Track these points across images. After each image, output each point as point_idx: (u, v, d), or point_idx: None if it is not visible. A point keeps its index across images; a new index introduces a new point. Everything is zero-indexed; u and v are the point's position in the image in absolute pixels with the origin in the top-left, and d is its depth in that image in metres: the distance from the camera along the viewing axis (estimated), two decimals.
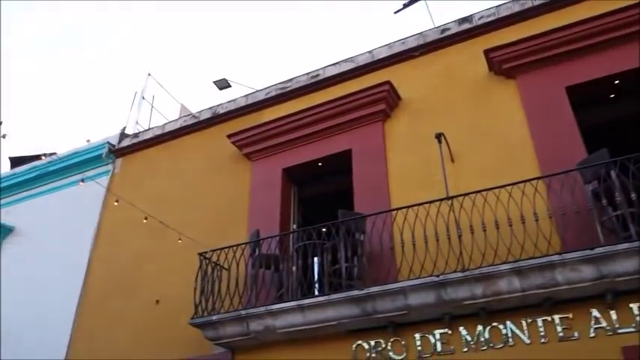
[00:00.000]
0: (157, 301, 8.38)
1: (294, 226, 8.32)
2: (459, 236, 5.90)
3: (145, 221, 7.90)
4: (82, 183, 8.44)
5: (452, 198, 6.14)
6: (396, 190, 7.30)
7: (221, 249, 7.37)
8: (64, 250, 10.07)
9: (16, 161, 14.02)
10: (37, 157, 12.90)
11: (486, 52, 7.46)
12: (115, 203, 8.12)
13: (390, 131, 7.88)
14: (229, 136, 8.97)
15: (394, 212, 6.41)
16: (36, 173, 11.41)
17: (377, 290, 6.06)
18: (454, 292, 5.81)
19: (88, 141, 12.03)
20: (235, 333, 6.85)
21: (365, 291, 6.11)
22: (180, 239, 7.88)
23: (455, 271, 5.77)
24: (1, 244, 11.05)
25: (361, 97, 8.00)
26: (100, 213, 10.07)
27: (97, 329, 8.70)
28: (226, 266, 7.28)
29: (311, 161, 8.34)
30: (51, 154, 12.74)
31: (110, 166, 10.60)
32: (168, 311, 8.18)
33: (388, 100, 7.89)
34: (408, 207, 6.28)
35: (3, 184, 11.83)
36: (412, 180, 7.28)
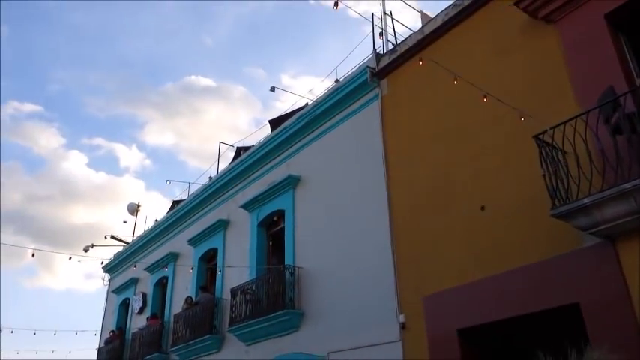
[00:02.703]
0: (483, 208, 7.42)
1: None
2: None
3: (484, 100, 7.09)
4: None
5: None
6: None
7: (563, 123, 5.99)
8: (357, 184, 9.83)
9: (275, 122, 14.57)
10: (292, 114, 13.14)
11: None
12: (455, 82, 7.23)
13: None
14: (517, 3, 7.44)
15: None
16: (304, 121, 11.43)
17: None
18: None
19: (337, 80, 11.74)
20: (619, 214, 5.46)
21: None
22: (522, 118, 6.72)
23: None
24: (294, 195, 11.38)
25: None
26: (382, 137, 9.51)
27: (419, 252, 8.16)
28: (568, 144, 5.94)
29: None
30: (305, 105, 12.84)
31: (377, 90, 9.96)
32: (499, 215, 7.17)
33: None
34: None
35: (276, 142, 12.20)
36: None
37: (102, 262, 19.48)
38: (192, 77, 57.90)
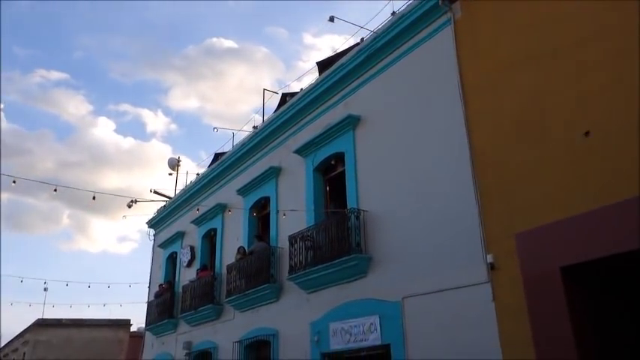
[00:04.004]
0: (587, 133, 6.59)
1: None
2: None
3: None
4: None
5: None
6: None
7: None
8: (428, 118, 9.05)
9: (323, 64, 13.75)
10: (343, 54, 12.27)
11: None
12: None
13: None
14: None
15: None
16: (364, 56, 10.59)
17: None
18: None
19: (394, 13, 10.84)
20: None
21: None
22: None
23: None
24: (354, 136, 10.66)
25: None
26: (457, 66, 8.63)
27: (508, 187, 7.42)
28: None
29: None
30: (359, 42, 11.95)
31: (448, 14, 9.02)
32: (608, 139, 6.35)
33: None
34: None
35: (332, 81, 11.42)
36: None
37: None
38: (214, 39, 57.08)
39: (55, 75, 56.53)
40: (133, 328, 37.71)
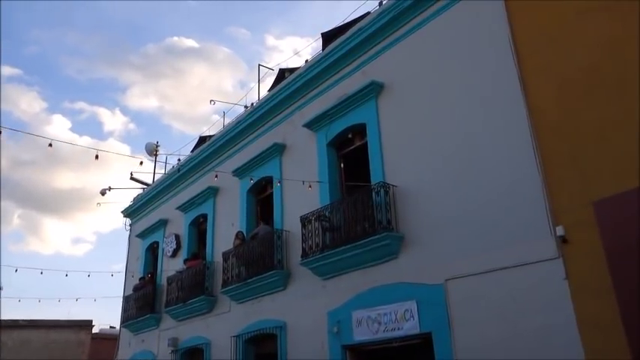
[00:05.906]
0: None
1: None
2: None
3: None
4: None
5: None
6: None
7: None
8: (469, 81, 8.12)
9: (329, 36, 12.69)
10: (350, 26, 11.29)
11: None
12: None
13: None
14: None
15: None
16: (388, 17, 9.59)
17: None
18: None
19: None
20: None
21: None
22: None
23: None
24: (377, 104, 9.64)
25: None
26: (507, 18, 7.74)
27: (579, 149, 6.56)
28: None
29: None
30: (374, 8, 10.97)
31: None
32: None
33: None
34: None
35: (348, 47, 10.37)
36: None
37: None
38: (175, 38, 55.32)
39: (7, 70, 53.48)
40: (95, 330, 35.64)
